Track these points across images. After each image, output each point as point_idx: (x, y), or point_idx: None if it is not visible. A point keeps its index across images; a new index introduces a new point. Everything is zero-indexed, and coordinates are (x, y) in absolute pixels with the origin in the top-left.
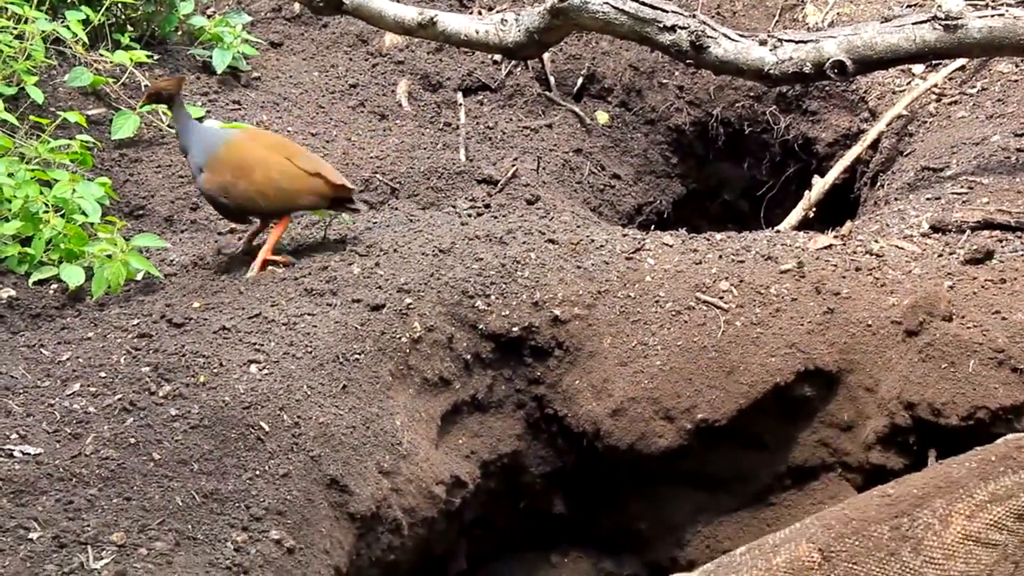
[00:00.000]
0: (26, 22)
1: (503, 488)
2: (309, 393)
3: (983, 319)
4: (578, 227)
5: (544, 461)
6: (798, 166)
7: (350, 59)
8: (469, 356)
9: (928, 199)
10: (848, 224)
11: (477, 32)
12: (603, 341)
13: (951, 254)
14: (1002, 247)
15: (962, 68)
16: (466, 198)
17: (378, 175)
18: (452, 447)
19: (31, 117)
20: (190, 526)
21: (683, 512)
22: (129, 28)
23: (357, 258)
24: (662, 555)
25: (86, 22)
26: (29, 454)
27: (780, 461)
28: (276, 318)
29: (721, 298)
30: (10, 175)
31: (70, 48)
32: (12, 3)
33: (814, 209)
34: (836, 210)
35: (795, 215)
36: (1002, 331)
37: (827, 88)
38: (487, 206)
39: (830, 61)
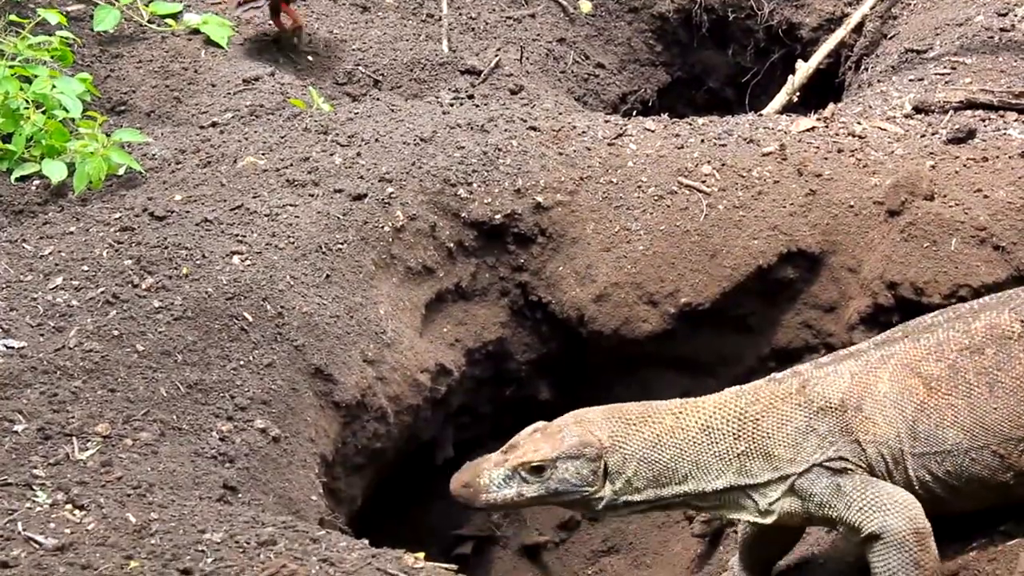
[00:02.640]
0: None
1: (488, 375)
2: (292, 283)
3: (965, 198)
4: (560, 114)
5: (529, 348)
6: (783, 52)
7: None
8: (452, 244)
9: (911, 80)
10: (831, 106)
11: None
12: (586, 227)
13: (933, 134)
14: (984, 126)
15: None
16: (449, 89)
17: (360, 67)
18: (436, 335)
19: (10, 17)
20: (175, 416)
21: (668, 396)
22: None
23: (339, 148)
24: None
25: None
26: (13, 347)
27: (764, 343)
28: (258, 209)
29: (703, 182)
30: None
31: None
32: None
33: (798, 94)
34: (821, 95)
35: (779, 100)
36: (984, 209)
37: None
38: (470, 96)
39: None
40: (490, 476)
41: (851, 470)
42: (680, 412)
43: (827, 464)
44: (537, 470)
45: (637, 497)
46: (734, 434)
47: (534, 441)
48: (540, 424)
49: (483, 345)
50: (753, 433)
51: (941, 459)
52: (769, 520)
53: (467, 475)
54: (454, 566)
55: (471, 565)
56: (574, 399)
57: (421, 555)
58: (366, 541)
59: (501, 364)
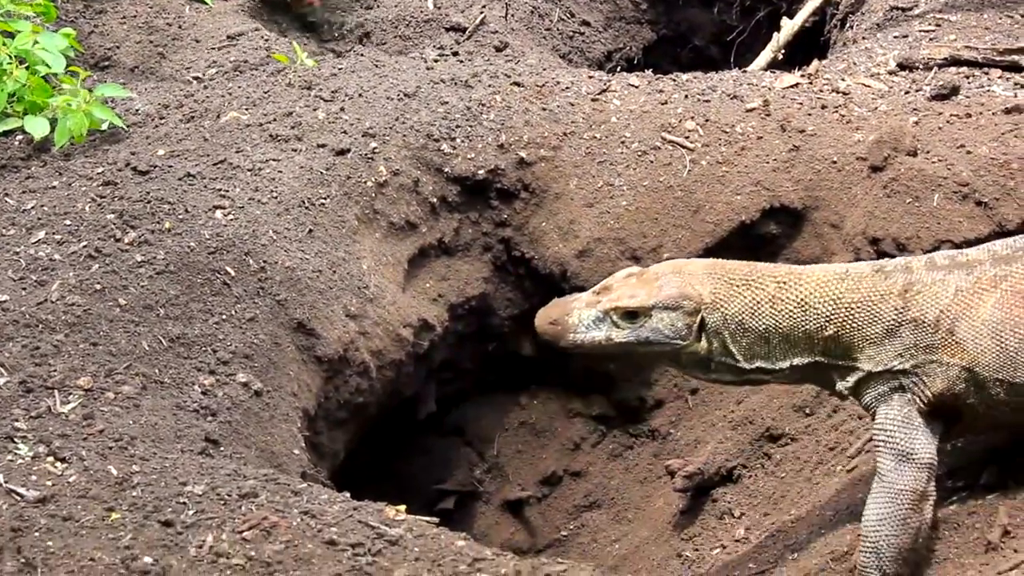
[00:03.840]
0: None
1: (471, 331)
2: (275, 238)
3: (948, 153)
4: (544, 70)
5: (512, 303)
6: (768, 9)
7: None
8: (435, 199)
9: (896, 37)
10: (815, 63)
11: None
12: (569, 183)
13: (917, 91)
14: (968, 83)
15: None
16: (434, 46)
17: (345, 24)
18: (419, 290)
19: None
20: (157, 370)
21: None
22: None
23: (322, 103)
24: (630, 395)
25: None
26: None
27: None
28: (241, 164)
29: (687, 137)
30: None
31: None
32: None
33: (783, 51)
34: (807, 53)
35: (764, 57)
36: (966, 165)
37: None
38: (455, 53)
39: None
40: (579, 316)
41: (916, 391)
42: (784, 282)
43: (898, 373)
44: (630, 316)
45: (726, 360)
46: (827, 317)
47: (630, 286)
48: (634, 269)
49: (466, 300)
50: (844, 321)
51: None
52: (843, 398)
53: (555, 311)
54: (435, 519)
55: (453, 520)
56: (556, 354)
57: (402, 508)
58: (347, 494)
59: (484, 319)
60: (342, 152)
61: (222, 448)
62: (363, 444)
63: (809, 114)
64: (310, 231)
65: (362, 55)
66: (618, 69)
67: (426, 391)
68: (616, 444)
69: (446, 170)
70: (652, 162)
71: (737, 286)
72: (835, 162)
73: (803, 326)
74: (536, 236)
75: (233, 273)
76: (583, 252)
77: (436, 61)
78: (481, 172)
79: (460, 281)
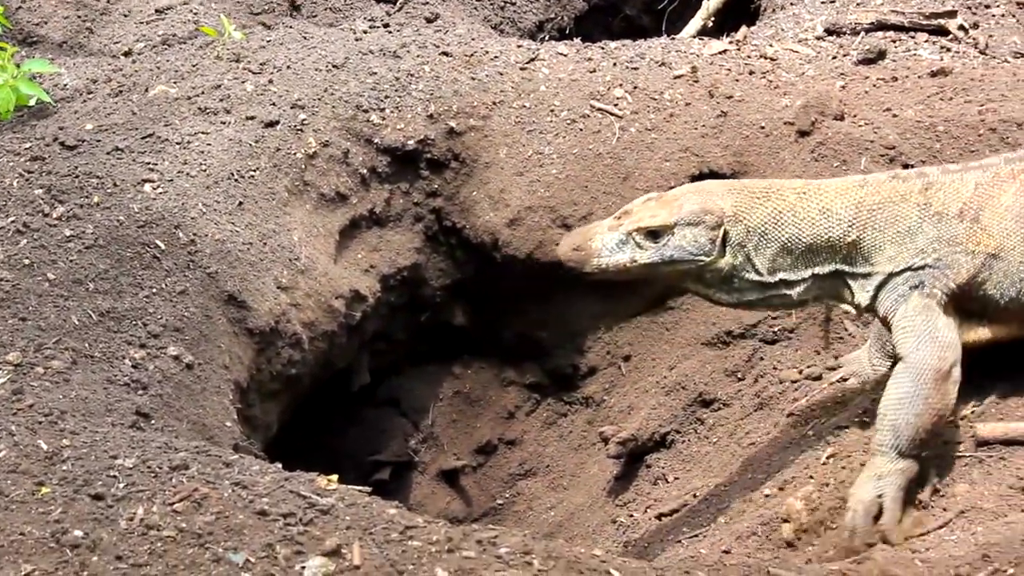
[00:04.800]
0: None
1: (404, 301)
2: (204, 211)
3: (874, 117)
4: (473, 39)
5: (444, 273)
6: None
7: None
8: (365, 170)
9: (823, 3)
10: (743, 29)
11: None
12: (499, 152)
13: (845, 55)
14: (895, 47)
15: None
16: (365, 18)
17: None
18: (351, 261)
19: None
20: (87, 344)
21: (583, 319)
22: None
23: (250, 76)
24: (563, 362)
25: None
26: None
27: None
28: (170, 137)
29: (616, 105)
30: None
31: None
32: None
33: (713, 19)
34: (738, 20)
35: (694, 25)
36: (893, 128)
37: None
38: (385, 25)
39: None
40: (603, 240)
41: (936, 286)
42: (803, 192)
43: (920, 271)
44: (653, 235)
45: (750, 275)
46: (850, 221)
47: (649, 207)
48: (653, 194)
49: (398, 271)
50: (867, 223)
51: None
52: (859, 312)
53: (578, 238)
54: (367, 488)
55: (389, 490)
56: (489, 324)
57: (334, 478)
58: (279, 465)
59: (416, 290)
60: (271, 124)
61: (153, 421)
62: (297, 416)
63: (737, 80)
64: (240, 204)
65: (291, 27)
66: (549, 39)
67: (359, 362)
68: (550, 412)
69: (376, 141)
70: (581, 130)
71: (758, 198)
72: (763, 127)
73: (826, 233)
74: (467, 206)
75: (163, 246)
76: (514, 221)
77: (366, 32)
78: (411, 142)
79: (392, 252)
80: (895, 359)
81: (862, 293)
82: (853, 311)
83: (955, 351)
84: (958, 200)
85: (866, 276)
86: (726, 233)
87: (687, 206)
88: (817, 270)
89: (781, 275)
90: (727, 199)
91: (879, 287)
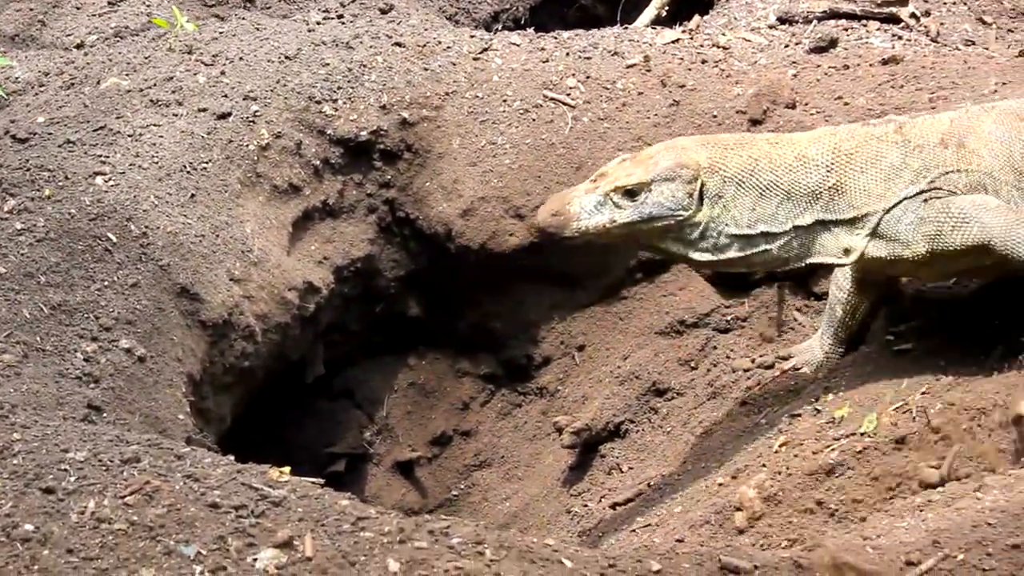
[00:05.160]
0: None
1: (358, 293)
2: (156, 203)
3: (826, 105)
4: (426, 30)
5: (398, 264)
6: None
7: None
8: (318, 162)
9: None
10: (696, 18)
11: None
12: (452, 142)
13: (797, 44)
14: (847, 35)
15: None
16: (319, 9)
17: None
18: (305, 253)
19: None
20: (38, 338)
21: (537, 309)
22: None
23: (202, 67)
24: (517, 352)
25: None
26: None
27: (631, 254)
28: (121, 130)
29: (568, 95)
30: None
31: None
32: None
33: (667, 8)
34: (693, 9)
35: (648, 14)
36: (844, 116)
37: None
38: (340, 16)
39: None
40: (580, 203)
41: (936, 198)
42: (776, 141)
43: (917, 197)
44: (631, 194)
45: (731, 229)
46: (827, 166)
47: (625, 167)
48: (627, 154)
49: (352, 262)
50: (846, 166)
51: None
52: (849, 260)
53: (555, 203)
54: (320, 479)
55: (344, 483)
56: (444, 315)
57: (286, 470)
58: (232, 457)
59: (370, 281)
60: (223, 116)
61: (105, 414)
62: (252, 408)
63: (689, 69)
64: (192, 196)
65: (243, 19)
66: (504, 29)
67: (313, 354)
68: (505, 403)
69: (328, 132)
70: (534, 120)
71: (731, 149)
72: (715, 116)
73: (803, 179)
74: (420, 196)
75: (115, 239)
76: (467, 211)
77: (319, 23)
78: (364, 133)
79: (345, 243)
80: (979, 252)
81: (851, 238)
82: (839, 262)
83: (987, 197)
84: (936, 132)
85: (853, 221)
86: (703, 185)
87: (662, 162)
88: (798, 222)
89: (762, 227)
90: (701, 152)
91: (876, 226)
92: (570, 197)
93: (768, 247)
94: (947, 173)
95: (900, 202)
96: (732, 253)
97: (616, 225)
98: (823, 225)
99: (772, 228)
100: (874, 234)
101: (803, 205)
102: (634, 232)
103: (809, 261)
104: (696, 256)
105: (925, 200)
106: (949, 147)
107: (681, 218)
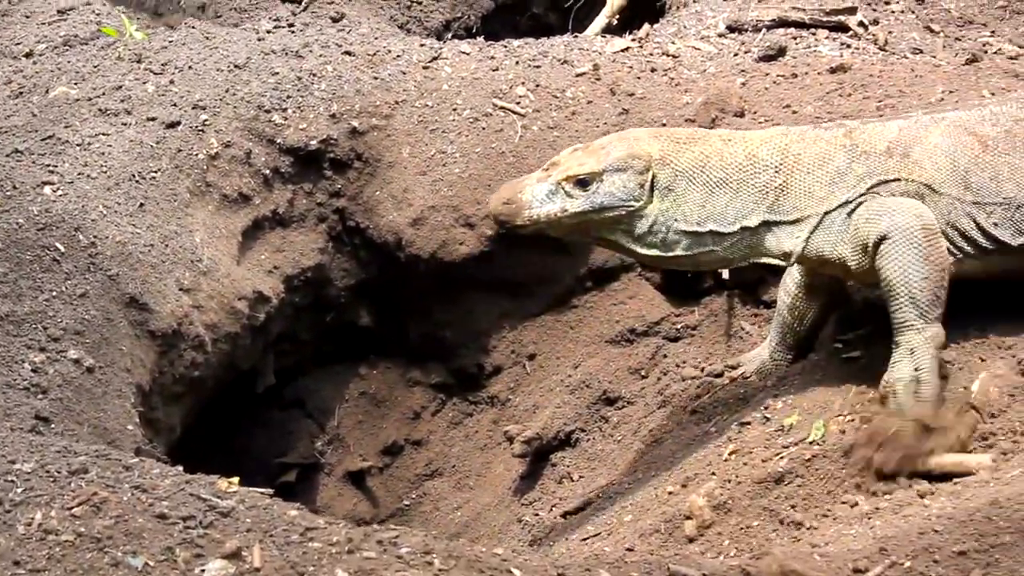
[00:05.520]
0: None
1: (308, 302)
2: (105, 213)
3: (774, 113)
4: (375, 39)
5: (348, 273)
6: None
7: None
8: (268, 171)
9: (726, 0)
10: (645, 27)
11: None
12: (402, 151)
13: (746, 52)
14: (795, 44)
15: None
16: (270, 18)
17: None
18: (254, 262)
19: None
20: None
21: (488, 318)
22: None
23: (152, 76)
24: (468, 361)
25: None
26: None
27: (580, 263)
28: (70, 139)
29: (518, 103)
30: None
31: None
32: None
33: (618, 16)
34: (645, 18)
35: (598, 23)
36: (792, 124)
37: None
38: (291, 25)
39: None
40: (532, 192)
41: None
42: (729, 138)
43: (853, 201)
44: (582, 183)
45: (681, 224)
46: (775, 167)
47: (577, 157)
48: (579, 144)
49: (302, 272)
50: (793, 168)
51: (991, 211)
52: (790, 262)
53: (507, 192)
54: (269, 490)
55: (296, 493)
56: (394, 324)
57: (235, 480)
58: (180, 468)
59: (320, 290)
60: (172, 125)
61: (53, 425)
62: (203, 418)
63: (639, 77)
64: (141, 205)
65: (193, 27)
66: (456, 38)
67: (264, 364)
68: (456, 412)
69: (278, 141)
70: (484, 128)
71: (684, 143)
72: (664, 124)
73: (752, 179)
74: (370, 205)
75: (63, 249)
76: (417, 220)
77: (269, 32)
78: (313, 142)
79: (295, 252)
80: (871, 253)
81: (791, 240)
82: (779, 263)
83: (924, 208)
84: (884, 139)
85: (795, 222)
86: (654, 177)
87: (614, 152)
88: (746, 223)
89: (711, 226)
90: (654, 144)
91: (815, 228)
92: (522, 186)
93: (715, 248)
94: (887, 181)
95: (840, 206)
96: (680, 251)
97: (567, 214)
98: (767, 226)
99: (721, 228)
100: (811, 236)
101: (751, 205)
102: (585, 222)
103: (753, 261)
104: (644, 251)
105: (861, 204)
106: (894, 156)
107: (632, 208)
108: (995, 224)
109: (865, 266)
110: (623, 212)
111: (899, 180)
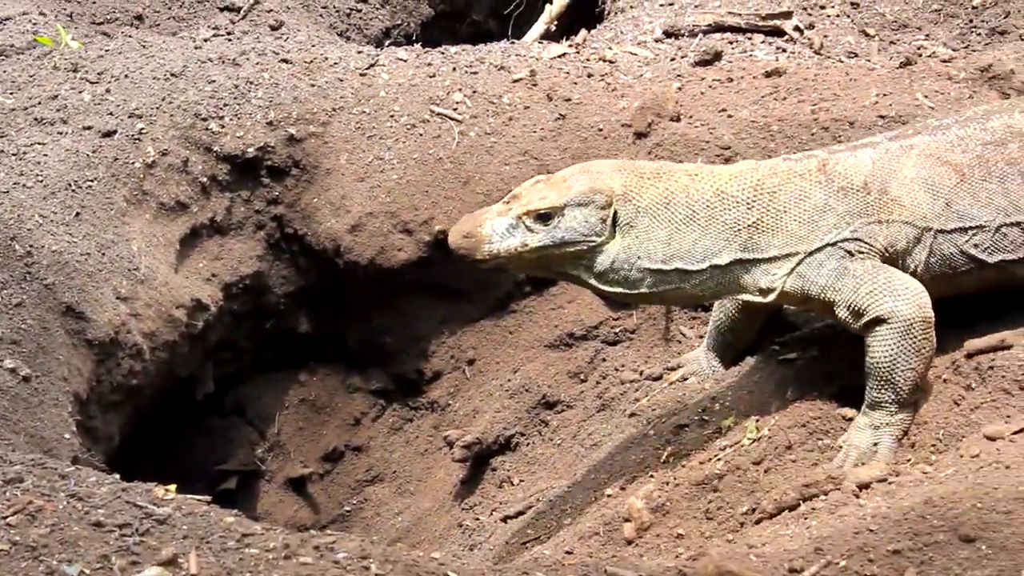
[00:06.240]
0: None
1: (247, 309)
2: (41, 222)
3: (710, 117)
4: (312, 46)
5: (287, 281)
6: None
7: None
8: (205, 179)
9: (662, 5)
10: (582, 33)
11: None
12: (340, 158)
13: (682, 57)
14: (731, 48)
15: None
16: (208, 26)
17: (117, 6)
18: (192, 270)
19: None
20: None
21: (427, 324)
22: None
23: (88, 85)
24: (408, 367)
25: None
26: None
27: None
28: (5, 148)
29: (455, 109)
30: None
31: None
32: None
33: (556, 23)
34: (584, 24)
35: (537, 29)
36: (728, 128)
37: None
38: (229, 34)
39: None
40: (492, 226)
41: (864, 253)
42: (695, 173)
43: (841, 244)
44: (543, 218)
45: (645, 263)
46: (747, 203)
47: (538, 190)
48: (541, 176)
49: (240, 279)
50: (768, 205)
51: (973, 234)
52: (769, 299)
53: (467, 225)
54: (207, 497)
55: (237, 500)
56: (334, 330)
57: (172, 487)
58: (117, 476)
59: (259, 298)
60: (109, 134)
61: None
62: (143, 427)
63: (575, 83)
64: (77, 214)
65: (130, 36)
66: (396, 45)
67: (203, 371)
68: (396, 417)
69: (215, 149)
70: (421, 135)
71: (648, 178)
72: (601, 129)
73: (722, 216)
74: (308, 212)
75: None
76: (356, 227)
77: (206, 40)
78: (251, 150)
79: (234, 260)
80: (861, 324)
81: (768, 277)
82: (757, 300)
83: (926, 295)
84: (859, 174)
85: (772, 260)
86: (616, 213)
87: (576, 186)
88: (716, 261)
89: (677, 264)
90: (616, 178)
91: (797, 268)
92: (482, 219)
93: (682, 285)
94: (869, 224)
95: (824, 247)
96: (644, 288)
97: (528, 249)
98: (741, 264)
99: (688, 266)
100: (792, 275)
101: (721, 242)
102: (546, 257)
103: (726, 296)
104: (607, 288)
105: (850, 252)
106: (872, 192)
107: (593, 244)
108: (975, 246)
109: (851, 325)
110: (584, 247)
111: (880, 222)
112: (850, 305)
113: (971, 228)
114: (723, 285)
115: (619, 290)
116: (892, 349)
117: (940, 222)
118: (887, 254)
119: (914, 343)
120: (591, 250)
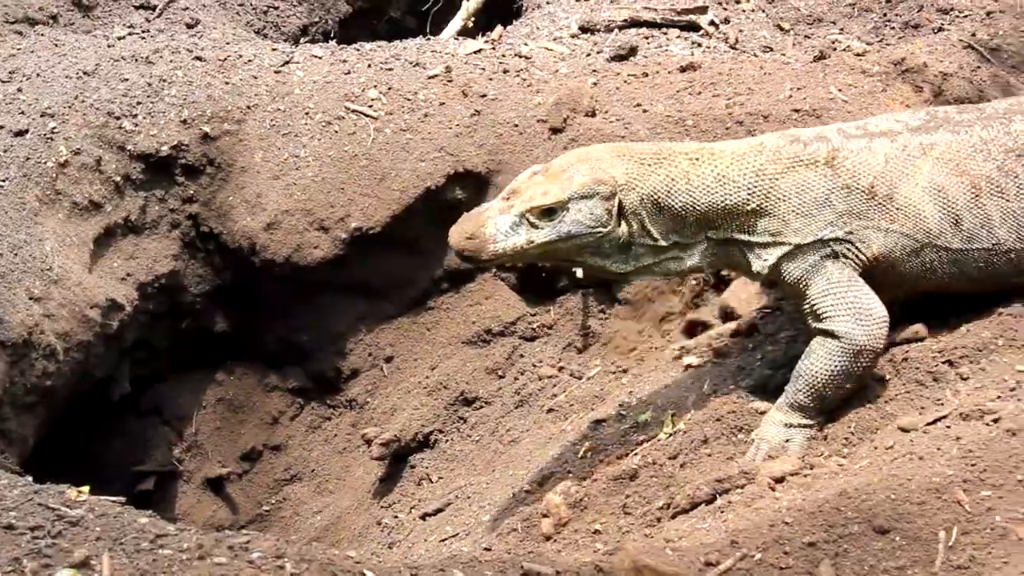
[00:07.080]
0: None
1: (163, 309)
2: None
3: (625, 112)
4: (227, 44)
5: (203, 280)
6: None
7: None
8: (119, 178)
9: (578, 1)
10: (498, 29)
11: None
12: (255, 156)
13: (598, 52)
14: (647, 43)
15: None
16: (124, 25)
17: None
18: (107, 270)
19: None
20: None
21: (344, 321)
22: None
23: None
24: (325, 365)
25: None
26: None
27: (436, 265)
28: None
29: (370, 106)
30: None
31: None
32: None
33: (473, 19)
34: (502, 20)
35: (454, 26)
36: (643, 123)
37: None
38: (145, 31)
39: None
40: (496, 224)
41: (848, 259)
42: (696, 157)
43: (831, 243)
44: (548, 213)
45: (647, 241)
46: (748, 188)
47: (538, 183)
48: (537, 167)
49: (156, 279)
50: (768, 192)
51: (978, 255)
52: (757, 281)
53: (469, 225)
54: (121, 498)
55: (154, 501)
56: (251, 329)
57: (85, 489)
58: (30, 478)
59: (175, 297)
60: (20, 133)
61: None
62: (59, 428)
63: (491, 79)
64: None
65: (42, 35)
66: (314, 43)
67: (119, 371)
68: (314, 416)
69: (129, 148)
70: (337, 132)
71: (649, 165)
72: (516, 125)
73: (722, 201)
74: (224, 211)
75: None
76: (271, 225)
77: (120, 39)
78: (165, 148)
79: (149, 259)
80: (815, 326)
81: (759, 262)
82: (748, 277)
83: (886, 327)
84: (868, 173)
85: (765, 246)
86: (620, 202)
87: (578, 178)
88: (712, 235)
89: (675, 238)
90: (618, 166)
91: (784, 257)
92: (484, 219)
93: (681, 255)
94: (867, 229)
95: (814, 243)
96: (647, 261)
97: (534, 245)
98: (736, 243)
99: (686, 240)
100: (779, 262)
101: (720, 223)
102: (551, 250)
103: (723, 269)
104: (614, 267)
105: (836, 254)
106: (877, 196)
107: (600, 234)
108: (976, 264)
109: (808, 321)
110: (591, 238)
111: (879, 229)
112: (813, 306)
113: (976, 250)
114: (718, 258)
115: (622, 268)
116: (833, 366)
117: (944, 240)
118: (877, 262)
119: (856, 368)
120: (598, 239)
